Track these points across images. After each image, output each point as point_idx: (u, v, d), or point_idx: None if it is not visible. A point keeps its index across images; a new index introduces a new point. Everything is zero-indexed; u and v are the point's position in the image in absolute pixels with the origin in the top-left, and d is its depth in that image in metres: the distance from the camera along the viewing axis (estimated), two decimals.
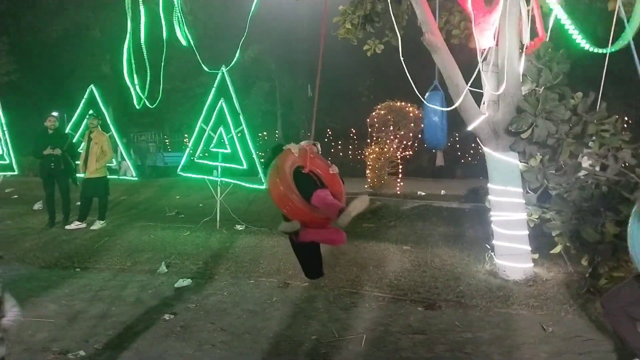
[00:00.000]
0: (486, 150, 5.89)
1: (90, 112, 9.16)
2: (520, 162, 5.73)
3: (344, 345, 4.03)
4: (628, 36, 4.03)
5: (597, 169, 5.28)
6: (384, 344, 4.06)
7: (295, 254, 4.02)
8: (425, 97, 6.27)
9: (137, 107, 6.61)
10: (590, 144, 5.23)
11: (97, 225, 8.33)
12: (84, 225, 8.30)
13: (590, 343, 4.03)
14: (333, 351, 3.91)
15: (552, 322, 4.46)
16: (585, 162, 5.28)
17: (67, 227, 8.23)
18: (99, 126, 8.58)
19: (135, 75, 5.84)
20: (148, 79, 5.72)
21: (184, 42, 6.08)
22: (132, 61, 5.77)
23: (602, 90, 5.26)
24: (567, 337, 4.17)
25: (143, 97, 6.12)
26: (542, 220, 5.62)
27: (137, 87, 5.78)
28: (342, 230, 3.58)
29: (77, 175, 8.66)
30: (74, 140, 9.39)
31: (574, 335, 4.19)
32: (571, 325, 4.39)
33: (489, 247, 6.11)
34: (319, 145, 4.20)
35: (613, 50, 4.51)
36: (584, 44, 4.80)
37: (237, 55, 5.95)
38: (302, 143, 4.13)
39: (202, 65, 6.03)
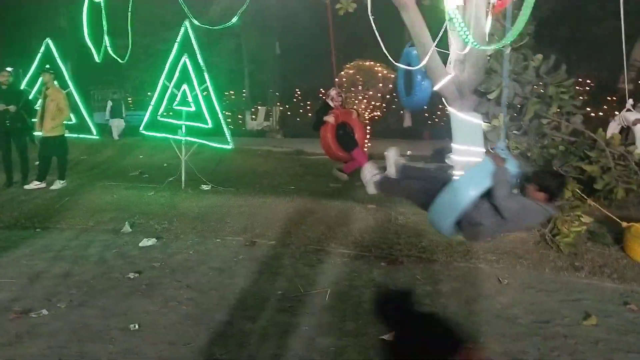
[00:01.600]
0: (450, 110, 5.94)
1: (47, 66, 8.73)
2: (484, 122, 5.82)
3: (309, 299, 4.13)
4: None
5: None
6: (347, 297, 4.18)
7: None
8: (403, 53, 6.22)
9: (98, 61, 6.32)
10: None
11: (58, 185, 8.12)
12: (43, 185, 8.07)
13: (542, 294, 4.27)
14: (298, 305, 4.00)
15: (508, 274, 4.69)
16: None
17: (26, 187, 7.98)
18: (54, 82, 8.21)
19: (105, 38, 5.45)
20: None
21: None
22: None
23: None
24: (521, 288, 4.39)
25: (98, 52, 5.72)
26: None
27: (107, 45, 5.42)
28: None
29: (35, 133, 8.34)
30: (31, 97, 8.98)
31: (527, 287, 4.42)
32: (525, 277, 4.62)
33: None
34: (343, 95, 8.00)
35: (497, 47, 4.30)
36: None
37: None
38: (332, 92, 8.40)
39: None
